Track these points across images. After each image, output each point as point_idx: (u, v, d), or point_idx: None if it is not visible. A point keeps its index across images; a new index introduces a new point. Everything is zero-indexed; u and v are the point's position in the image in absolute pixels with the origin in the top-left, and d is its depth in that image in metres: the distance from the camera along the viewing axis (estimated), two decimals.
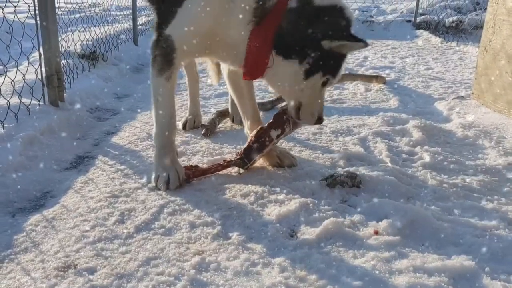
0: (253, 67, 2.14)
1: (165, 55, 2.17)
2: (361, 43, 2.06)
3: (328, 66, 2.11)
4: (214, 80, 3.25)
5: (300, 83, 2.12)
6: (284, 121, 2.34)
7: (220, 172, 2.40)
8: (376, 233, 1.89)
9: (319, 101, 2.22)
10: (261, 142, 2.34)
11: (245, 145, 2.39)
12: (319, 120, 2.26)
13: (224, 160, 2.44)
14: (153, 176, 2.29)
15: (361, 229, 1.92)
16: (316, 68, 2.08)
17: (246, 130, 2.62)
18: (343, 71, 2.25)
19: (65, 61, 3.91)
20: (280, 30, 2.04)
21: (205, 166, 2.43)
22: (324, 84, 2.17)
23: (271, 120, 2.37)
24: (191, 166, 2.39)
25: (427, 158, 2.65)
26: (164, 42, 2.15)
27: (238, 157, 2.38)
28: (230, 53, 2.17)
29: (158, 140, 2.31)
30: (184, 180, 2.28)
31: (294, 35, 2.04)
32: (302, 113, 2.22)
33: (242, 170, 2.42)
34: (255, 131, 2.39)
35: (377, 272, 1.65)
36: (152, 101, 2.28)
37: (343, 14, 2.06)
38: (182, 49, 2.16)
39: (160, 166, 2.28)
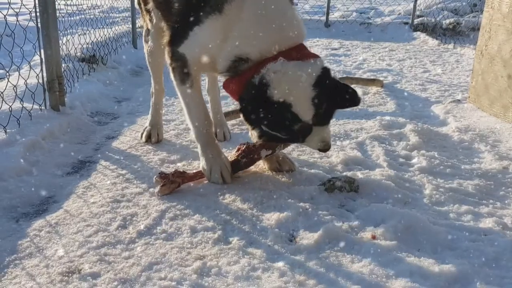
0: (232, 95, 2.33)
1: (182, 67, 2.36)
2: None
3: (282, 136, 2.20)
4: None
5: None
6: (276, 144, 2.38)
7: None
8: (374, 237, 1.93)
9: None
10: (249, 158, 2.41)
11: (233, 158, 2.44)
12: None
13: None
14: (206, 174, 2.41)
15: (359, 234, 1.96)
16: (267, 136, 2.21)
17: (251, 132, 2.66)
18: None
19: (65, 65, 3.94)
20: (242, 96, 2.18)
21: (191, 173, 2.44)
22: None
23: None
24: (179, 171, 2.39)
25: (423, 162, 2.69)
26: (178, 57, 2.34)
27: None
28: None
29: (199, 138, 2.45)
30: (231, 170, 2.41)
31: (244, 103, 2.17)
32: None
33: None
34: (244, 146, 2.44)
35: (374, 276, 1.69)
36: (182, 106, 2.48)
37: (288, 110, 2.10)
38: (194, 64, 2.35)
39: (209, 162, 2.40)
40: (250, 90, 2.12)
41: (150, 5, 2.75)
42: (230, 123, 3.31)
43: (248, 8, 2.13)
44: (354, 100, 2.21)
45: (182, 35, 2.29)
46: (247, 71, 2.16)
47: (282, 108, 2.09)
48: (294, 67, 2.09)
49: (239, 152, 2.45)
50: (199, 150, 2.47)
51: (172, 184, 2.30)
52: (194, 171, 2.46)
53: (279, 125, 2.14)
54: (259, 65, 2.12)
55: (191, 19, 2.22)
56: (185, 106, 2.46)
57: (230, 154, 2.53)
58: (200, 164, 2.46)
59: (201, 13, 2.19)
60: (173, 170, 2.39)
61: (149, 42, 2.95)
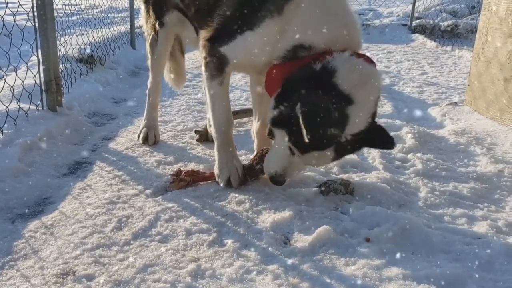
0: (268, 89, 2.24)
1: (218, 65, 2.31)
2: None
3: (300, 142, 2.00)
4: (175, 85, 3.23)
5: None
6: None
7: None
8: (368, 240, 1.93)
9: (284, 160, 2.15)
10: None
11: (248, 163, 2.44)
12: (271, 178, 2.22)
13: None
14: (217, 173, 2.40)
15: (353, 237, 1.97)
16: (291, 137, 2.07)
17: (253, 130, 2.70)
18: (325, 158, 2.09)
19: (63, 65, 3.94)
20: (290, 77, 2.07)
21: (206, 173, 2.47)
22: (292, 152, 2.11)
23: None
24: (193, 171, 2.44)
25: (419, 165, 2.70)
26: (217, 54, 2.28)
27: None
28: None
29: (217, 135, 2.43)
30: (243, 174, 2.38)
31: (288, 91, 2.05)
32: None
33: None
34: (260, 152, 2.43)
35: (367, 279, 1.70)
36: (207, 101, 2.45)
37: (346, 108, 1.95)
38: (234, 65, 2.33)
39: (221, 162, 2.40)
40: (307, 73, 2.01)
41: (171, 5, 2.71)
42: None
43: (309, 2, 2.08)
44: (389, 143, 2.20)
45: (228, 37, 2.22)
46: (306, 57, 2.07)
47: (341, 101, 1.95)
48: (365, 65, 2.02)
49: (255, 157, 2.46)
50: (215, 148, 2.45)
51: (181, 182, 2.36)
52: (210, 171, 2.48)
53: (326, 120, 1.90)
54: (322, 53, 2.03)
55: (241, 21, 2.16)
56: (209, 102, 2.42)
57: (250, 157, 2.55)
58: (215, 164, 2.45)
59: (256, 16, 2.11)
60: (190, 168, 2.47)
61: (158, 46, 2.90)
